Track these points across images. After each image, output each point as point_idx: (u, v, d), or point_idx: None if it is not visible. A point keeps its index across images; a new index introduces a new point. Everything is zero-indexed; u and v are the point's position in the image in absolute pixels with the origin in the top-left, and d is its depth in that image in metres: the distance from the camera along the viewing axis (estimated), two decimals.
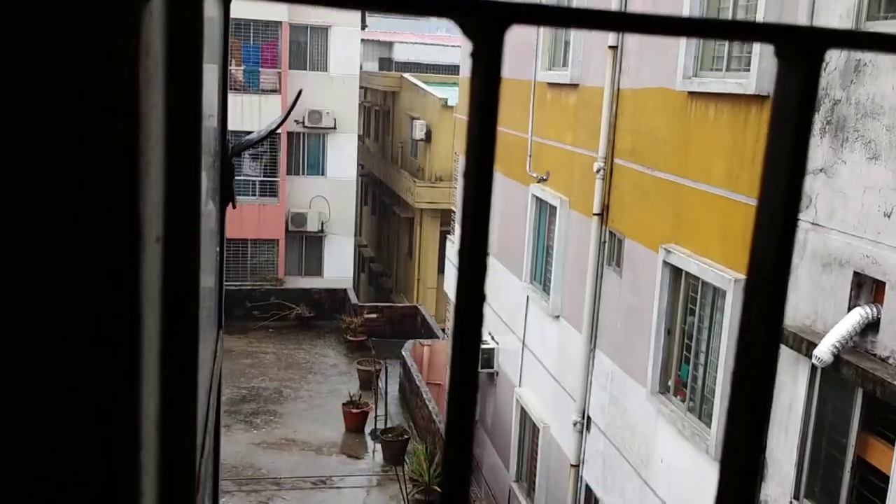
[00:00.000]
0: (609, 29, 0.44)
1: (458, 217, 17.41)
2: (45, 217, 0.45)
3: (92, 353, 0.47)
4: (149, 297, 0.51)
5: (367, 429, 17.40)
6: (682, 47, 8.41)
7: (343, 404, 17.57)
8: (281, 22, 24.90)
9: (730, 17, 7.92)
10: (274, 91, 24.91)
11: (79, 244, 0.45)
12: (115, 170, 0.44)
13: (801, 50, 0.46)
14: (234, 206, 1.61)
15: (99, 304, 0.46)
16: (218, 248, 1.53)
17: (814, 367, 6.29)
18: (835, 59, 6.34)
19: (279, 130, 24.83)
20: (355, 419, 17.32)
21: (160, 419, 0.63)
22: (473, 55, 0.44)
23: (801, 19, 6.65)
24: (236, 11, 26.37)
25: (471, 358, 0.47)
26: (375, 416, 17.33)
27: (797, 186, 0.45)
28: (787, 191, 0.45)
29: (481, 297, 0.44)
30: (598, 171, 10.29)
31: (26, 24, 0.43)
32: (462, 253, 0.46)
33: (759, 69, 7.17)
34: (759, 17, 7.18)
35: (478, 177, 0.43)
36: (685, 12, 8.35)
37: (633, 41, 9.75)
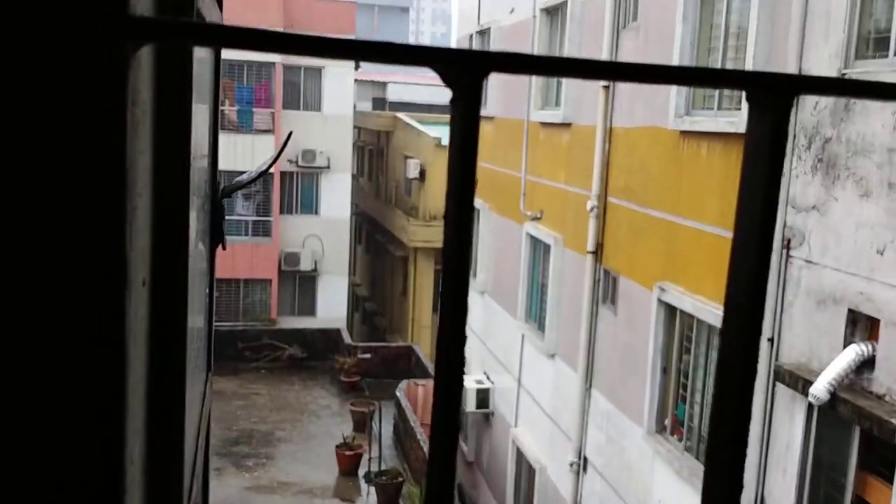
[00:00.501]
0: (584, 76, 0.45)
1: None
2: (31, 261, 0.46)
3: (76, 394, 0.47)
4: (135, 339, 0.51)
5: (361, 471, 17.19)
6: (674, 86, 8.52)
7: (336, 446, 17.38)
8: (274, 63, 25.16)
9: (720, 55, 8.04)
10: (267, 131, 25.07)
11: (64, 288, 0.45)
12: (101, 216, 0.45)
13: (771, 96, 0.47)
14: (223, 248, 1.62)
15: (84, 346, 0.46)
16: (207, 290, 1.53)
17: (810, 406, 6.27)
18: (824, 97, 6.43)
19: (272, 170, 24.94)
20: (349, 462, 17.12)
21: (146, 461, 0.62)
22: (452, 102, 0.45)
23: (791, 58, 6.75)
24: (229, 53, 26.68)
25: (453, 403, 0.47)
26: (369, 459, 17.14)
27: (769, 229, 0.46)
28: (759, 234, 0.46)
29: (462, 336, 0.44)
30: (591, 210, 10.34)
31: (15, 72, 0.43)
32: (444, 296, 0.46)
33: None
34: (749, 56, 7.29)
35: (457, 219, 0.44)
36: (675, 51, 8.48)
37: None
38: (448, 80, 0.45)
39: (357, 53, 0.44)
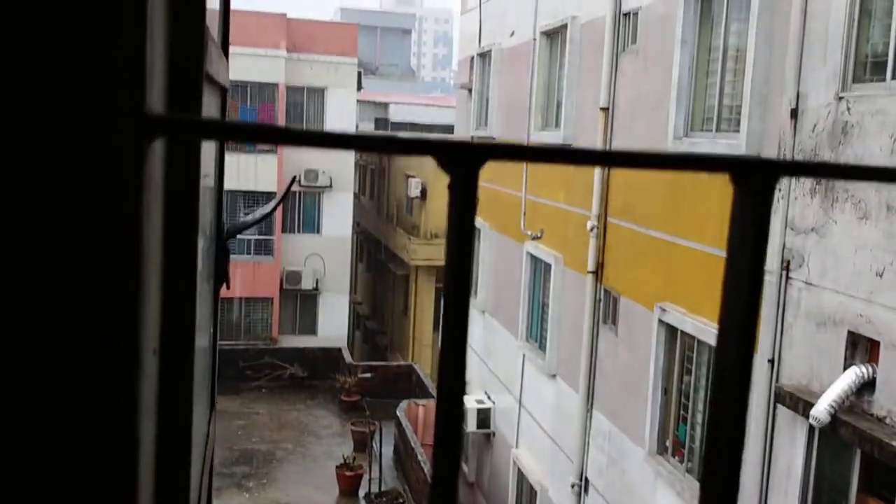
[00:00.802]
0: (577, 163, 0.48)
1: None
2: (49, 332, 0.48)
3: (88, 464, 0.48)
4: (147, 411, 0.53)
5: (362, 492, 17.11)
6: (673, 108, 8.57)
7: (337, 467, 17.31)
8: (278, 84, 25.31)
9: (718, 78, 8.09)
10: (271, 151, 25.17)
11: (78, 358, 0.47)
12: (116, 293, 0.47)
13: (754, 179, 0.49)
14: (227, 287, 1.64)
15: (97, 419, 0.48)
16: (212, 330, 1.55)
17: (811, 428, 6.26)
18: (822, 119, 6.46)
19: (274, 189, 25.01)
20: (349, 482, 17.04)
21: None
22: (450, 187, 0.48)
23: (789, 81, 6.79)
24: (234, 73, 26.67)
25: (455, 424, 0.49)
26: (370, 479, 17.06)
27: (754, 310, 0.48)
28: (744, 317, 0.48)
29: (463, 365, 0.46)
30: (591, 230, 10.37)
31: (37, 159, 0.46)
32: (441, 378, 0.48)
33: (748, 130, 7.30)
34: (748, 79, 7.33)
35: (455, 305, 0.46)
36: (674, 74, 8.53)
37: (624, 102, 9.94)
38: (446, 168, 0.47)
39: (363, 145, 0.47)
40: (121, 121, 0.45)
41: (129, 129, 0.45)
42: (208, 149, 1.29)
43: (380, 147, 0.46)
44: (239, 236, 25.54)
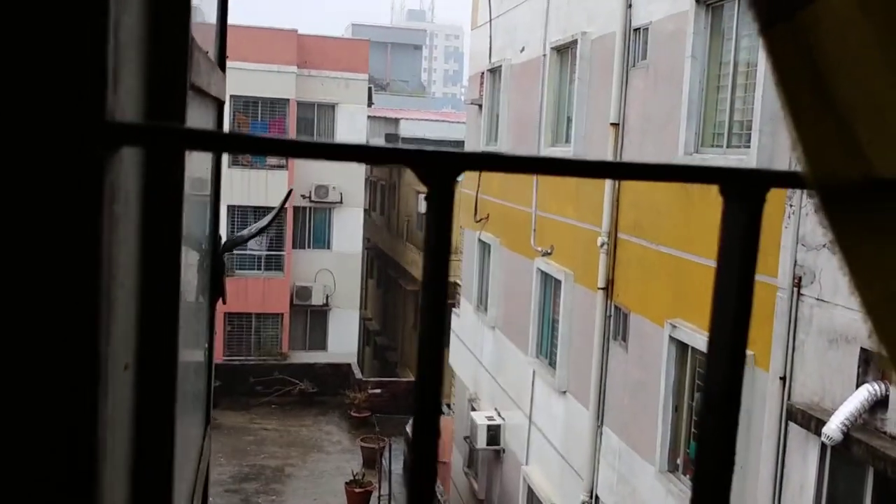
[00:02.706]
0: (557, 174, 0.46)
1: (462, 289, 17.29)
2: (6, 347, 0.47)
3: (46, 478, 0.47)
4: (115, 425, 0.52)
5: None
6: (683, 123, 8.56)
7: (346, 483, 17.25)
8: (289, 99, 25.44)
9: (729, 93, 8.06)
10: (280, 167, 25.27)
11: (37, 373, 0.46)
12: (72, 310, 0.46)
13: (744, 191, 0.48)
14: (224, 302, 1.63)
15: (57, 429, 0.47)
16: (207, 345, 1.54)
17: (823, 446, 6.18)
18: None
19: (286, 206, 25.10)
20: (358, 499, 16.97)
21: None
22: (427, 197, 0.47)
23: None
24: (244, 89, 26.65)
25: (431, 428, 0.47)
26: (379, 496, 16.98)
27: (742, 327, 0.47)
28: (733, 330, 0.47)
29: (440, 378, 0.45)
30: (601, 246, 10.33)
31: None
32: (419, 384, 0.47)
33: (759, 145, 7.27)
34: (759, 94, 7.30)
35: (430, 322, 0.45)
36: (685, 89, 8.52)
37: (634, 117, 9.93)
38: (423, 178, 0.46)
39: (346, 155, 0.46)
40: (78, 128, 0.44)
41: (88, 137, 0.44)
42: (202, 162, 1.28)
43: (354, 156, 0.45)
44: (249, 252, 25.63)
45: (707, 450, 0.50)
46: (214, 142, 0.42)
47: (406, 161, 0.45)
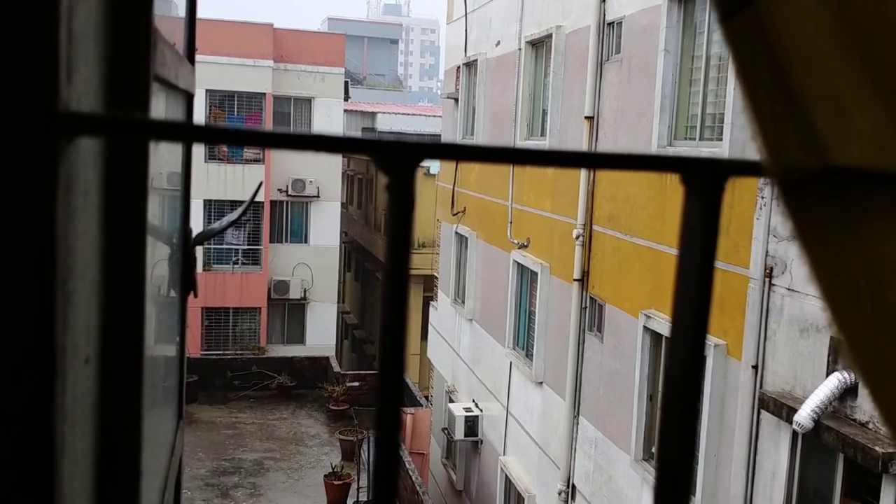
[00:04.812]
0: (514, 163, 0.47)
1: (440, 282, 17.29)
2: None
3: (5, 479, 0.46)
4: (78, 418, 0.51)
5: (350, 501, 17.03)
6: (657, 116, 8.61)
7: (325, 476, 17.23)
8: (265, 93, 25.27)
9: (701, 86, 8.13)
10: (257, 161, 25.11)
11: None
12: (26, 302, 0.45)
13: (704, 179, 0.48)
14: (195, 296, 1.62)
15: (13, 438, 0.46)
16: (178, 338, 1.53)
17: (795, 433, 6.27)
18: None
19: (262, 199, 24.96)
20: (337, 491, 16.96)
21: None
22: (387, 187, 0.47)
23: None
24: (220, 83, 26.43)
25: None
26: (358, 488, 16.99)
27: (703, 313, 0.48)
28: (694, 312, 0.47)
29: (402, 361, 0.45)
30: (577, 238, 10.38)
31: None
32: (380, 377, 0.47)
33: (731, 138, 7.33)
34: (730, 86, 7.37)
35: (392, 303, 0.45)
36: (658, 83, 8.57)
37: (608, 111, 9.97)
38: (383, 168, 0.47)
39: (304, 145, 0.46)
40: (28, 118, 0.43)
41: (38, 127, 0.43)
42: (172, 154, 1.27)
43: (315, 146, 0.45)
44: (226, 246, 25.46)
45: (669, 434, 0.51)
46: (169, 132, 0.42)
47: (365, 150, 0.45)
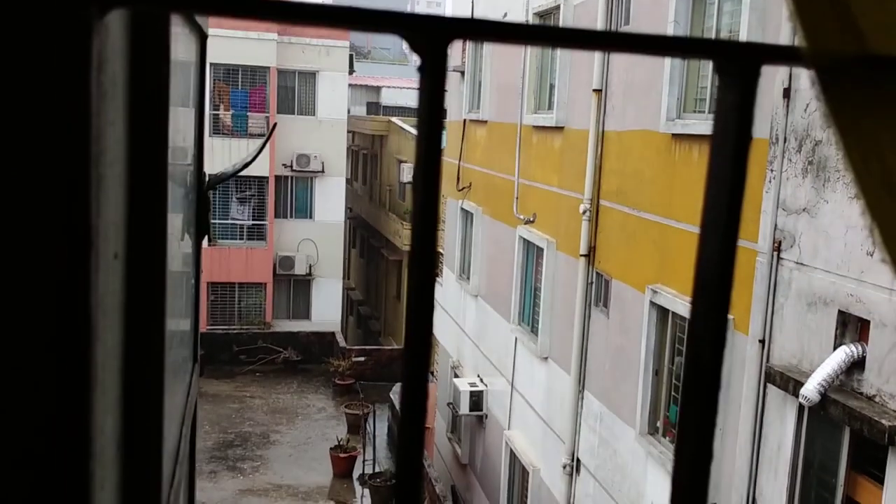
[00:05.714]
0: (549, 45, 0.46)
1: (445, 258, 17.28)
2: None
3: (41, 363, 0.46)
4: (107, 310, 0.51)
5: (356, 473, 17.17)
6: (665, 89, 8.55)
7: (331, 449, 17.36)
8: (269, 67, 25.16)
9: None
10: (262, 135, 25.04)
11: (25, 254, 0.45)
12: (62, 181, 0.45)
13: (739, 65, 0.47)
14: (210, 241, 1.62)
15: (49, 315, 0.46)
16: (194, 280, 1.53)
17: (801, 407, 6.28)
18: (814, 99, 6.45)
19: (267, 174, 24.93)
20: (343, 464, 17.10)
21: (121, 436, 0.62)
22: (420, 69, 0.46)
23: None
24: (225, 57, 26.38)
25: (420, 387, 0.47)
26: (364, 461, 17.12)
27: (737, 202, 0.47)
28: (728, 206, 0.46)
29: (431, 297, 0.44)
30: (584, 213, 10.35)
31: None
32: (411, 268, 0.47)
33: None
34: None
35: (425, 188, 0.44)
36: (666, 67, 8.50)
37: (617, 84, 9.90)
38: (414, 47, 0.46)
39: (319, 19, 0.45)
40: None
41: None
42: (185, 113, 1.25)
43: (343, 22, 0.44)
44: (232, 222, 25.47)
45: (694, 366, 0.50)
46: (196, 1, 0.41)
47: (396, 26, 0.44)
